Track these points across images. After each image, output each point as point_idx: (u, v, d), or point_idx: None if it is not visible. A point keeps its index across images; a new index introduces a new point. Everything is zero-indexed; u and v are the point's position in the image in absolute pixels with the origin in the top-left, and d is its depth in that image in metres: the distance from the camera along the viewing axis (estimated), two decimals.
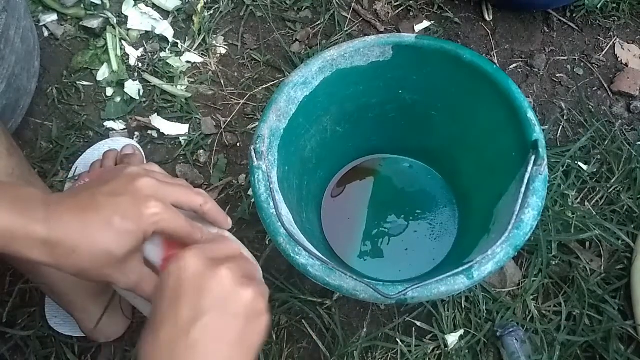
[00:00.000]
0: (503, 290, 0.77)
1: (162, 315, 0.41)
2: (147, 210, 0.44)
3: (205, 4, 0.98)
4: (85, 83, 0.93)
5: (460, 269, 0.53)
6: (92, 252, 0.42)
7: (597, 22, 0.98)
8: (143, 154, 0.85)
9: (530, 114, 0.60)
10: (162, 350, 0.39)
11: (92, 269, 0.43)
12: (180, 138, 0.88)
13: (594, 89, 0.94)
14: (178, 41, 0.96)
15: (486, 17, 0.98)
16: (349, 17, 0.98)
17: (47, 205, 0.42)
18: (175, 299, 0.41)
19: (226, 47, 0.96)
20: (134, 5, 0.98)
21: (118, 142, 0.85)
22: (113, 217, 0.43)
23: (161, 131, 0.89)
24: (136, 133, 0.89)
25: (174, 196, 0.47)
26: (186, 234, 0.47)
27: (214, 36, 0.96)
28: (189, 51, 0.95)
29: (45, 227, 0.41)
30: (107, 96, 0.92)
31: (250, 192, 0.83)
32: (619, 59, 0.96)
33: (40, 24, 0.96)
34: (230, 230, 0.52)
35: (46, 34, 0.96)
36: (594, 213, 0.82)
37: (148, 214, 0.44)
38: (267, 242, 0.80)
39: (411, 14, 0.99)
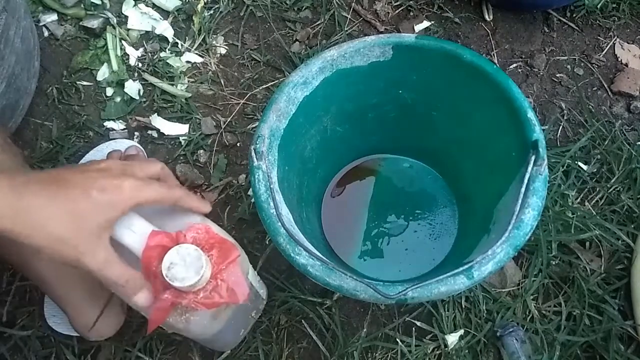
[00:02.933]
0: (503, 290, 0.77)
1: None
2: (126, 183, 0.46)
3: (205, 4, 0.98)
4: (85, 83, 0.93)
5: (460, 269, 0.53)
6: (68, 219, 0.43)
7: (597, 22, 0.98)
8: (146, 156, 0.85)
9: (530, 114, 0.60)
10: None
11: (65, 239, 0.44)
12: (180, 138, 0.88)
13: (594, 89, 0.94)
14: (178, 41, 0.96)
15: (486, 17, 0.98)
16: (349, 17, 0.98)
17: (13, 179, 0.43)
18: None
19: (226, 47, 0.96)
20: (134, 5, 0.98)
21: (122, 144, 0.85)
22: (90, 190, 0.45)
23: (161, 131, 0.89)
24: (136, 133, 0.89)
25: (138, 170, 0.49)
26: (169, 198, 0.49)
27: (214, 36, 0.96)
28: (189, 51, 0.95)
29: (14, 196, 0.42)
30: (107, 96, 0.92)
31: (250, 192, 0.83)
32: (619, 59, 0.96)
33: (40, 24, 0.96)
34: (230, 231, 0.53)
35: (46, 34, 0.96)
36: (594, 213, 0.82)
37: (129, 187, 0.46)
38: (267, 242, 0.80)
39: (411, 14, 0.99)
